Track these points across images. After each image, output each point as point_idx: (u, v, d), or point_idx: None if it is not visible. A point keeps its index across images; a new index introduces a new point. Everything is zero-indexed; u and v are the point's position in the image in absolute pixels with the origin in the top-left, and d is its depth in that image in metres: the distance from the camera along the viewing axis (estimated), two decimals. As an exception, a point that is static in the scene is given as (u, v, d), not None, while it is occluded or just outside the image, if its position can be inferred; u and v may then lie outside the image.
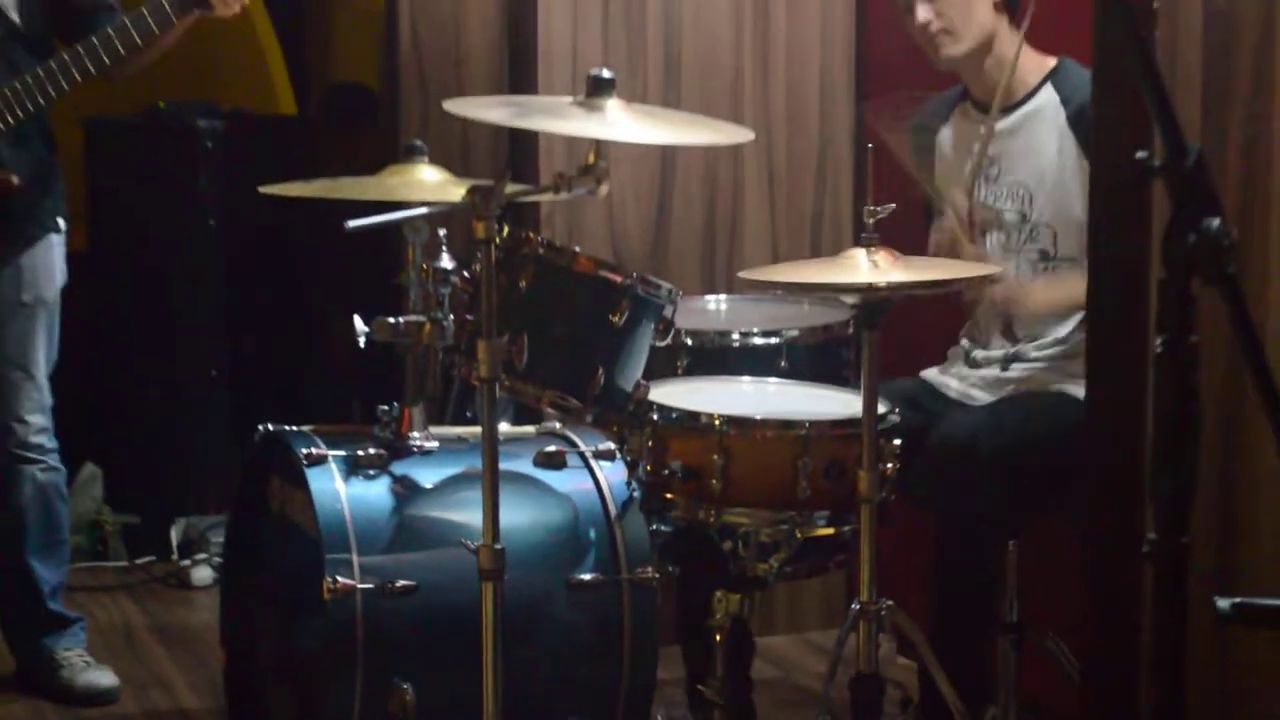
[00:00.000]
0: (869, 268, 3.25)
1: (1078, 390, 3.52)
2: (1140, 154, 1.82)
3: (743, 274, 3.59)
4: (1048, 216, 3.76)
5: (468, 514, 3.23)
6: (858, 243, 3.31)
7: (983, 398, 3.80)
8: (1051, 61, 3.81)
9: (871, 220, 3.29)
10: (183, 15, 4.11)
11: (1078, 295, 3.49)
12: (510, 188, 3.11)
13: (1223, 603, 1.82)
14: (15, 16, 4.16)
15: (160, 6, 4.08)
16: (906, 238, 3.85)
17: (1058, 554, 3.70)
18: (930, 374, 3.94)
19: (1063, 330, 3.75)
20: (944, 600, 3.69)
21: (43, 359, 4.36)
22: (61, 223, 4.38)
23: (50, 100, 4.14)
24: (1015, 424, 3.56)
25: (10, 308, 4.29)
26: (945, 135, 3.97)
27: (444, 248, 3.45)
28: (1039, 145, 3.78)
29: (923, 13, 3.78)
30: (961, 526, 3.61)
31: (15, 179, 4.18)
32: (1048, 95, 3.79)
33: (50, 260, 4.35)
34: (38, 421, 4.36)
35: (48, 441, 4.39)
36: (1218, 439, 2.71)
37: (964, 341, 3.94)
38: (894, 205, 3.31)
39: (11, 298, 4.29)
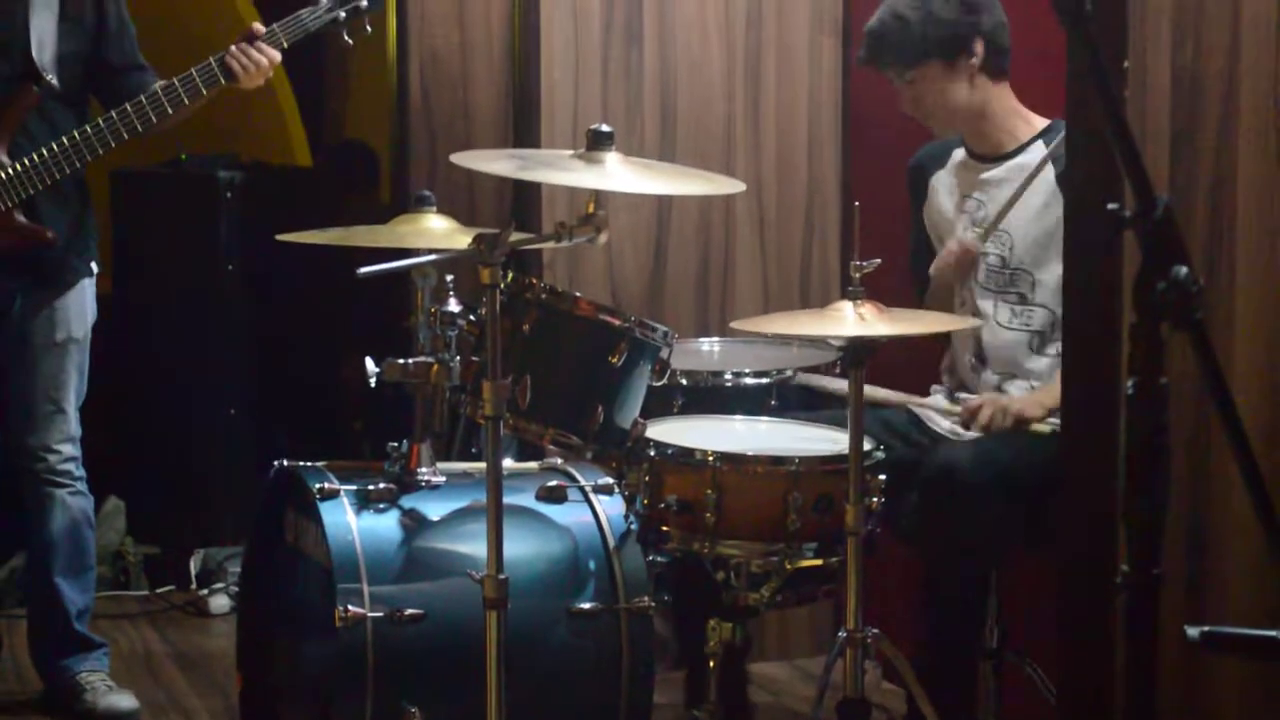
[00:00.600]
0: (855, 320, 3.26)
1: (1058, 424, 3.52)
2: (1112, 205, 1.83)
3: (735, 324, 3.60)
4: (1027, 263, 3.76)
5: (473, 545, 3.23)
6: (845, 295, 3.31)
7: (966, 434, 3.79)
8: (1044, 121, 3.82)
9: (858, 275, 3.29)
10: (211, 88, 4.15)
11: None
12: (514, 236, 3.11)
13: (1192, 631, 1.82)
14: (54, 79, 4.18)
15: (191, 78, 4.13)
16: (889, 285, 3.88)
17: (1036, 584, 3.70)
18: (915, 407, 3.93)
19: (1038, 366, 3.75)
20: (933, 628, 3.68)
21: (73, 393, 4.37)
22: (94, 266, 4.39)
23: (86, 162, 4.16)
24: (1000, 458, 3.54)
25: (45, 346, 4.30)
26: (940, 178, 3.97)
27: (451, 293, 3.46)
28: (1027, 197, 3.77)
29: (906, 105, 3.81)
30: (947, 559, 3.60)
31: (51, 234, 4.19)
32: (1038, 151, 3.79)
33: (82, 302, 4.36)
34: (67, 450, 4.37)
35: (76, 469, 4.40)
36: (1187, 475, 2.72)
37: (945, 380, 3.94)
38: (879, 260, 3.32)
39: (46, 337, 4.30)
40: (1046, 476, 3.40)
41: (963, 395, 3.84)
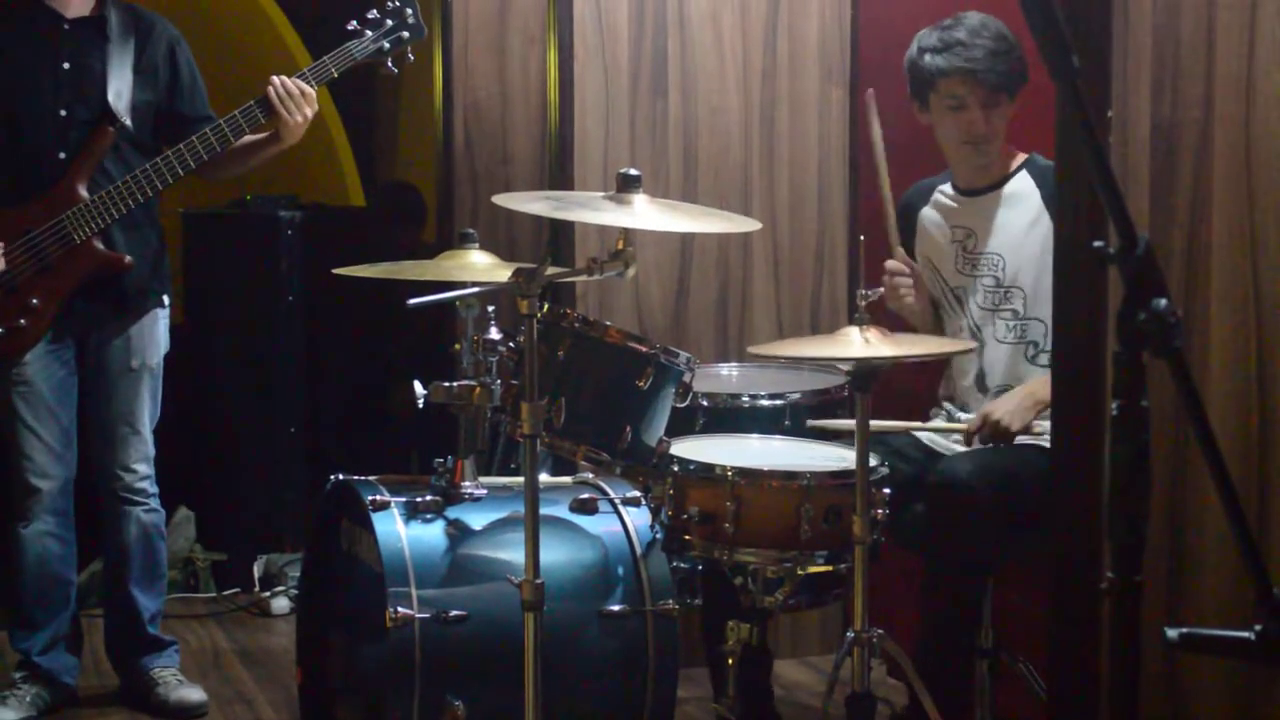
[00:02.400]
0: (862, 344, 3.25)
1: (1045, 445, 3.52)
2: (1097, 243, 1.83)
3: (751, 349, 3.59)
4: (1020, 280, 3.76)
5: (512, 553, 3.24)
6: (851, 321, 3.31)
7: (965, 449, 3.78)
8: (1023, 155, 3.82)
9: (863, 302, 3.29)
10: (252, 125, 4.16)
11: (1043, 396, 3.52)
12: (550, 270, 3.11)
13: (1172, 632, 1.81)
14: (129, 121, 4.20)
15: (235, 117, 4.16)
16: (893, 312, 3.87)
17: (1028, 589, 3.69)
18: (918, 433, 3.92)
19: (1034, 374, 3.74)
20: (932, 629, 3.67)
21: (147, 416, 4.38)
22: (166, 299, 4.41)
23: (156, 192, 4.18)
24: (1000, 467, 3.54)
25: (121, 372, 4.31)
26: (927, 215, 3.97)
27: (492, 322, 3.47)
28: (1013, 221, 3.78)
29: (983, 126, 3.74)
30: (946, 565, 3.59)
31: (128, 260, 4.21)
32: (1024, 181, 3.79)
33: (156, 330, 4.37)
34: (142, 469, 4.38)
35: (150, 487, 4.41)
36: (1167, 490, 2.71)
37: (945, 405, 3.93)
38: (883, 289, 3.32)
39: (122, 363, 4.31)
40: (1043, 485, 3.41)
41: (962, 415, 3.83)
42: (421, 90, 6.15)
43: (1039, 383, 3.61)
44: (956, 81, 3.74)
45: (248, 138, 4.23)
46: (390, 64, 4.24)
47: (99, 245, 4.17)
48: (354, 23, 4.21)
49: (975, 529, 3.48)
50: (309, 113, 4.19)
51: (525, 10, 5.41)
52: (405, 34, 4.21)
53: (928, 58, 3.77)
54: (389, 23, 4.19)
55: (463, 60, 5.48)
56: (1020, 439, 3.61)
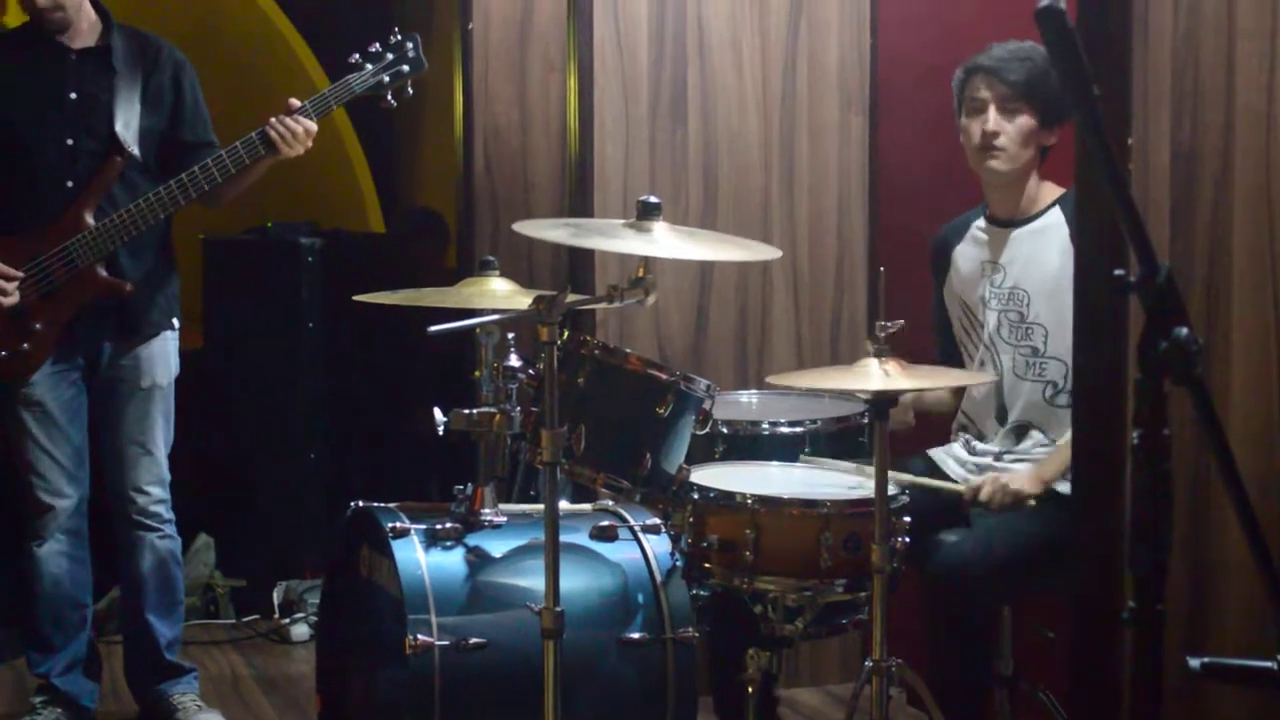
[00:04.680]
0: (881, 375, 3.25)
1: (1063, 483, 3.51)
2: (1118, 271, 1.83)
3: (771, 379, 3.59)
4: (1042, 318, 3.75)
5: (532, 580, 3.24)
6: (872, 353, 3.31)
7: (975, 478, 3.77)
8: (1059, 190, 3.82)
9: (882, 334, 3.29)
10: (253, 157, 4.16)
11: (1065, 462, 3.50)
12: (570, 297, 3.12)
13: (1194, 662, 1.81)
14: (136, 150, 4.22)
15: (236, 149, 4.15)
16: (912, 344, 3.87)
17: (1048, 618, 3.68)
18: (935, 453, 3.92)
19: (1053, 416, 3.74)
20: (945, 659, 3.66)
21: (160, 438, 4.39)
22: (175, 321, 4.42)
23: (158, 221, 4.19)
24: (1006, 541, 3.55)
25: (131, 392, 4.33)
26: (961, 250, 3.96)
27: (512, 349, 3.47)
28: (1043, 256, 3.77)
29: (994, 123, 3.74)
30: (956, 600, 3.60)
31: (129, 286, 4.23)
32: (1055, 216, 3.79)
33: (165, 352, 4.39)
34: (156, 493, 4.39)
35: (165, 512, 4.41)
36: (1188, 519, 2.70)
37: (964, 434, 3.92)
38: (902, 321, 3.32)
39: (132, 383, 4.33)
40: (1050, 539, 3.43)
41: (979, 446, 3.83)
42: (442, 117, 6.16)
43: (1049, 464, 3.62)
44: (979, 81, 3.78)
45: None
46: (390, 97, 4.24)
47: (102, 271, 4.20)
48: (356, 55, 4.21)
49: (979, 612, 3.57)
50: (309, 144, 4.20)
51: (545, 37, 5.43)
52: (405, 68, 4.21)
53: (961, 69, 3.84)
54: (389, 56, 4.19)
55: (483, 87, 5.50)
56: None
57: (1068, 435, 3.63)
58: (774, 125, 4.73)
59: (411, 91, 4.25)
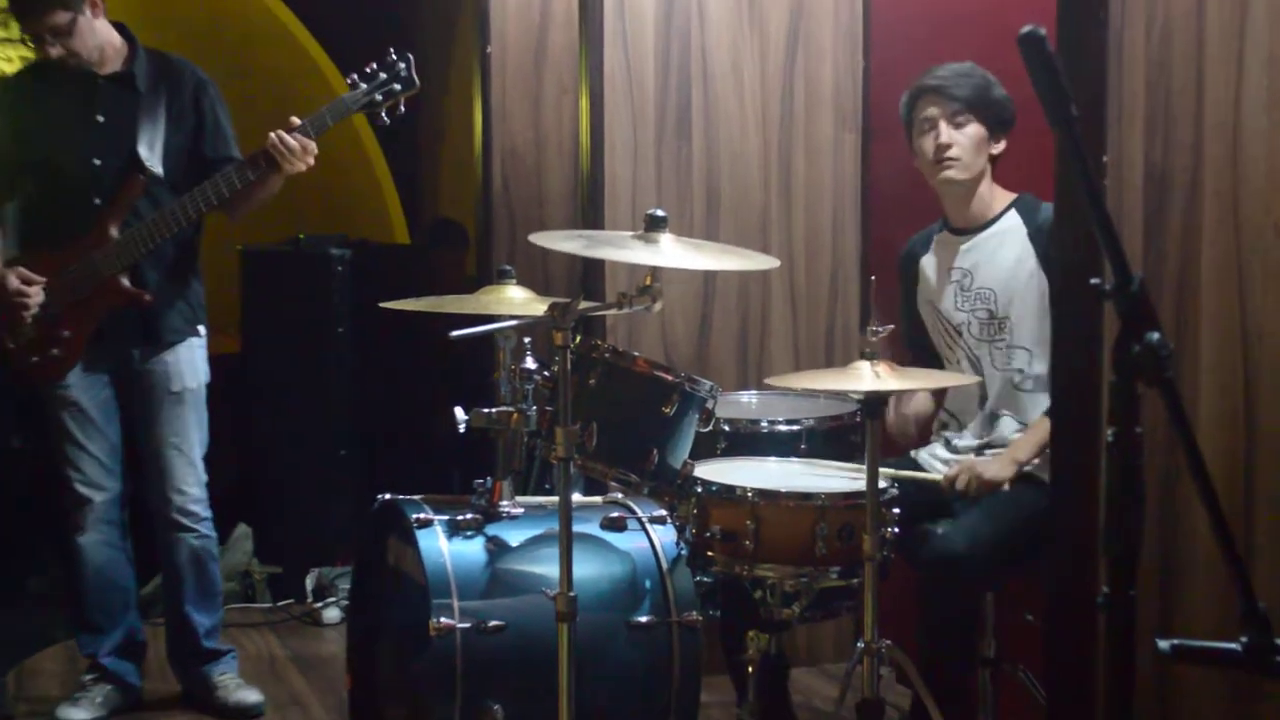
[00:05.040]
0: (872, 376, 3.26)
1: (1041, 473, 3.52)
2: (1094, 280, 1.83)
3: (769, 380, 3.59)
4: (1008, 312, 3.76)
5: (547, 567, 3.24)
6: (863, 356, 3.31)
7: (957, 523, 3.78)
8: (1013, 195, 3.83)
9: (874, 338, 3.29)
10: (256, 172, 4.12)
11: (1038, 443, 3.58)
12: (582, 304, 3.12)
13: (1163, 644, 1.81)
14: (159, 169, 4.22)
15: (242, 165, 4.14)
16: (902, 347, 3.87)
17: (1029, 602, 3.68)
18: (919, 454, 3.93)
19: (1021, 399, 3.75)
20: (934, 642, 3.66)
21: (195, 440, 4.39)
22: (201, 329, 4.42)
23: (176, 231, 4.18)
24: (990, 525, 3.56)
25: (163, 397, 4.33)
26: (927, 261, 3.96)
27: (529, 352, 3.47)
28: (1003, 256, 3.78)
29: (945, 135, 3.75)
30: (947, 586, 3.60)
31: (148, 296, 4.23)
32: (1012, 219, 3.79)
33: (193, 358, 4.39)
34: (194, 492, 4.38)
35: (202, 510, 4.41)
36: (1159, 510, 2.70)
37: (944, 432, 3.92)
38: (892, 326, 3.32)
39: (163, 388, 4.33)
40: (1029, 521, 3.43)
41: (958, 442, 3.83)
42: (463, 137, 6.18)
43: (1021, 445, 3.64)
44: (927, 101, 3.79)
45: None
46: (384, 115, 4.17)
47: (124, 282, 4.20)
48: (353, 76, 4.19)
49: (967, 598, 3.58)
50: (310, 161, 4.14)
51: (559, 62, 5.44)
52: (397, 86, 4.15)
53: (906, 94, 3.85)
54: (382, 76, 4.15)
55: (501, 109, 5.51)
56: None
57: (1035, 417, 3.65)
58: (772, 144, 4.73)
59: (404, 109, 4.17)
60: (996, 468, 3.60)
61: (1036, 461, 3.62)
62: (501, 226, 5.52)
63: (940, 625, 3.63)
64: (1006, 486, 3.58)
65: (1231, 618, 1.80)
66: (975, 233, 3.84)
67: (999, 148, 3.80)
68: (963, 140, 3.75)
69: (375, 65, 4.15)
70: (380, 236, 7.52)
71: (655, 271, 3.16)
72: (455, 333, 3.40)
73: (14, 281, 4.17)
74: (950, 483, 3.60)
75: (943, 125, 3.75)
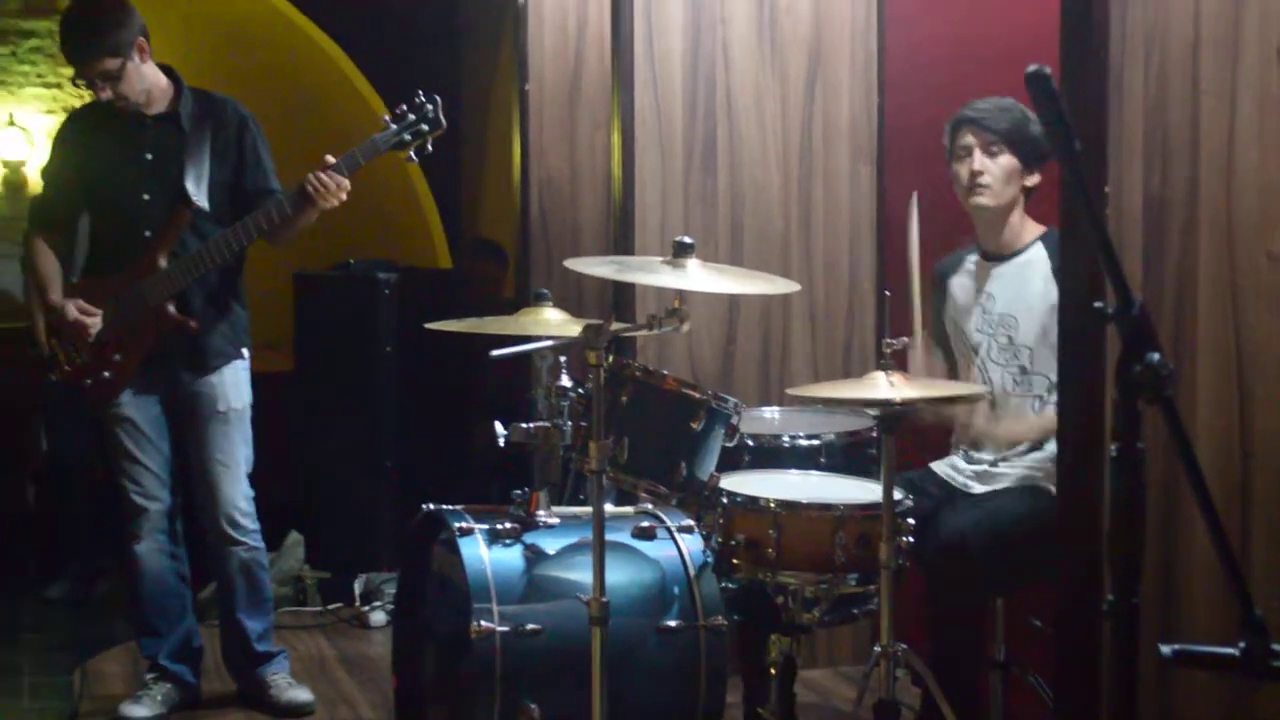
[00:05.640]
0: (887, 387, 3.25)
1: (1048, 484, 3.51)
2: (1097, 304, 1.82)
3: (790, 391, 3.59)
4: (1028, 340, 3.75)
5: (581, 574, 3.24)
6: (878, 367, 3.31)
7: (978, 487, 3.77)
8: (1042, 228, 3.82)
9: (889, 350, 3.29)
10: (294, 208, 4.13)
11: (1033, 430, 3.64)
12: (614, 326, 3.13)
13: (1165, 649, 1.80)
14: (204, 203, 4.24)
15: (280, 201, 4.15)
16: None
17: (1037, 609, 3.66)
18: (936, 465, 3.92)
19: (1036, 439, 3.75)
20: (944, 644, 3.65)
21: (241, 457, 4.39)
22: (245, 351, 4.43)
23: (220, 261, 4.20)
24: (999, 523, 3.55)
25: (210, 416, 4.34)
26: (955, 281, 3.96)
27: (564, 370, 3.47)
28: (1027, 286, 3.77)
29: (979, 163, 3.75)
30: (947, 610, 3.59)
31: (194, 323, 4.24)
32: (1039, 251, 3.78)
33: (238, 379, 4.40)
34: (242, 506, 4.39)
35: (250, 523, 4.41)
36: (1160, 521, 2.69)
37: (960, 448, 3.91)
38: (906, 339, 3.32)
39: (210, 409, 4.34)
40: (1037, 527, 3.42)
41: (975, 455, 3.82)
42: (502, 168, 6.20)
43: (1024, 425, 3.69)
44: (965, 130, 3.79)
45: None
46: (413, 154, 4.17)
47: (171, 309, 4.22)
48: (386, 116, 4.20)
49: (971, 592, 3.56)
50: (343, 197, 4.14)
51: (592, 99, 5.45)
52: (425, 127, 4.13)
53: (949, 122, 3.84)
54: (411, 117, 4.15)
55: (538, 142, 5.53)
56: (1020, 480, 3.69)
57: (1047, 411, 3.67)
58: (792, 176, 4.73)
59: (432, 148, 4.18)
60: (1002, 428, 3.69)
61: (1040, 456, 3.63)
62: (538, 252, 5.52)
63: (947, 622, 3.60)
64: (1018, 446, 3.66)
65: (1230, 624, 1.79)
66: (1004, 260, 3.84)
67: (1033, 180, 3.79)
68: (995, 169, 3.75)
69: (405, 107, 4.16)
70: (425, 262, 7.55)
71: (683, 295, 3.16)
72: (495, 352, 3.41)
73: (73, 311, 4.21)
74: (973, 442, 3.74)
75: (977, 154, 3.76)
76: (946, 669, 3.51)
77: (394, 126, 4.15)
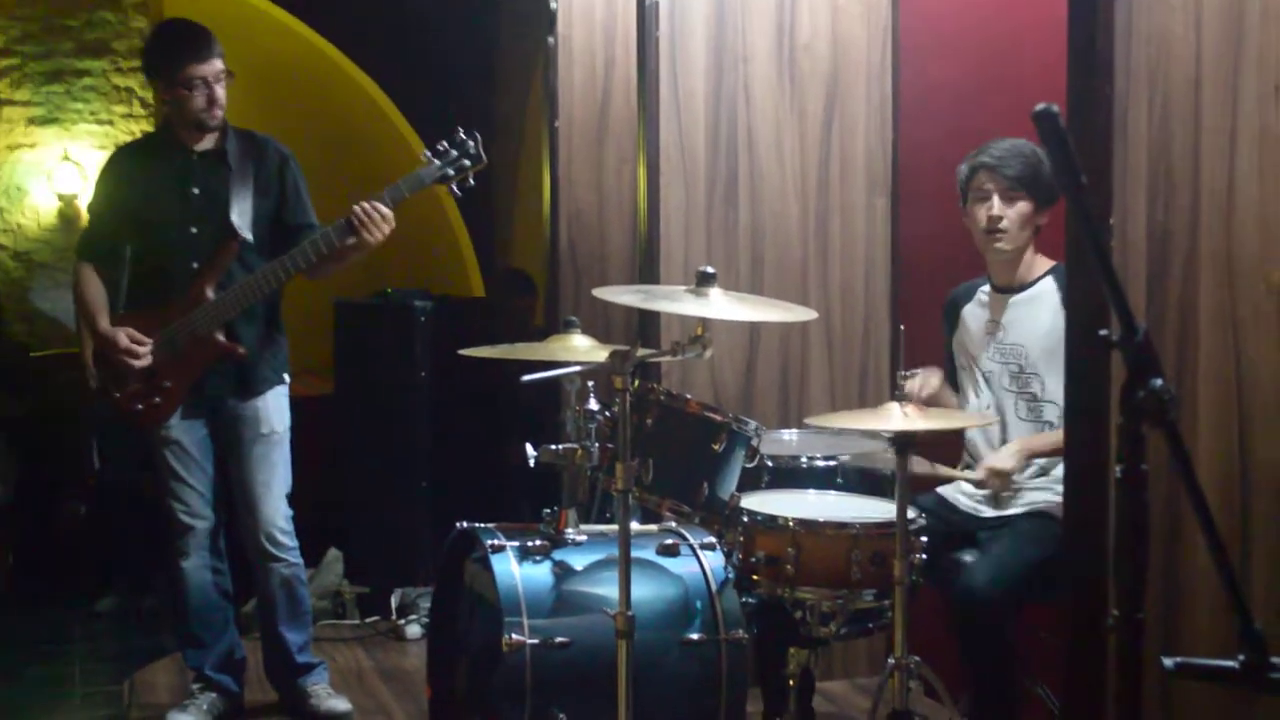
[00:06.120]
0: (901, 416, 3.25)
1: (1056, 511, 3.50)
2: (1102, 331, 1.82)
3: (808, 420, 3.59)
4: (1039, 369, 3.75)
5: (608, 589, 3.24)
6: (893, 397, 3.31)
7: (986, 510, 3.77)
8: (1052, 262, 3.82)
9: (903, 382, 3.29)
10: (341, 239, 4.14)
11: (1045, 446, 3.64)
12: (640, 352, 3.13)
13: (1168, 661, 1.79)
14: (250, 235, 4.27)
15: (328, 233, 4.16)
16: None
17: (1045, 623, 3.65)
18: (946, 490, 3.91)
19: (1044, 462, 3.74)
20: (973, 670, 3.63)
21: (281, 477, 4.41)
22: (286, 377, 4.45)
23: (267, 292, 4.23)
24: (1013, 576, 3.56)
25: (253, 439, 4.36)
26: (968, 310, 3.97)
27: (592, 394, 3.47)
28: (1038, 318, 3.77)
29: (998, 209, 3.76)
30: (974, 624, 3.59)
31: (242, 350, 4.27)
32: (1049, 284, 3.79)
33: (280, 404, 4.42)
34: (281, 524, 4.40)
35: (289, 541, 4.43)
36: (1163, 540, 2.68)
37: (967, 470, 3.91)
38: (919, 371, 3.33)
39: (253, 431, 4.36)
40: (1045, 558, 3.42)
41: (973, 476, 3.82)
42: (533, 201, 6.22)
43: (1032, 437, 3.69)
44: (983, 175, 3.78)
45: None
46: (454, 187, 4.20)
47: (221, 337, 4.24)
48: (427, 152, 4.22)
49: (995, 632, 3.55)
50: (387, 230, 4.15)
51: (619, 134, 5.47)
52: (467, 162, 4.17)
53: (965, 164, 3.82)
54: (453, 153, 4.18)
55: (567, 176, 5.54)
56: (1028, 505, 3.66)
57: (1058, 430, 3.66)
58: (811, 208, 4.73)
59: (474, 182, 4.20)
60: (1004, 456, 3.66)
61: (1047, 480, 3.63)
62: (567, 281, 5.54)
63: (975, 656, 3.59)
64: (1016, 477, 3.63)
65: (1230, 637, 1.78)
66: (1015, 292, 3.84)
67: (1044, 219, 3.80)
68: (1012, 215, 3.76)
69: (447, 143, 4.19)
70: (459, 290, 7.58)
71: (705, 322, 3.17)
72: (526, 377, 3.42)
73: (124, 340, 4.22)
74: (980, 485, 3.70)
75: (996, 199, 3.76)
76: (978, 693, 3.53)
77: (436, 162, 4.18)
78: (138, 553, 6.33)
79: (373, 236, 4.14)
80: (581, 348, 3.62)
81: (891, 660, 3.28)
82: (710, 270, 3.25)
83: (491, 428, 6.18)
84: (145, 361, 4.22)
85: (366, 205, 4.12)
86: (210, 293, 4.23)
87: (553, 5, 5.56)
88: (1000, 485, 3.66)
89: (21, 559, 7.00)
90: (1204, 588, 2.67)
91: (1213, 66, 2.66)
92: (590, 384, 3.50)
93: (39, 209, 8.43)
